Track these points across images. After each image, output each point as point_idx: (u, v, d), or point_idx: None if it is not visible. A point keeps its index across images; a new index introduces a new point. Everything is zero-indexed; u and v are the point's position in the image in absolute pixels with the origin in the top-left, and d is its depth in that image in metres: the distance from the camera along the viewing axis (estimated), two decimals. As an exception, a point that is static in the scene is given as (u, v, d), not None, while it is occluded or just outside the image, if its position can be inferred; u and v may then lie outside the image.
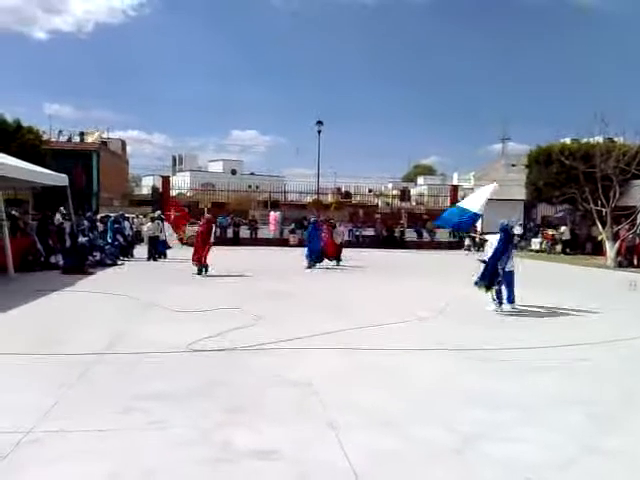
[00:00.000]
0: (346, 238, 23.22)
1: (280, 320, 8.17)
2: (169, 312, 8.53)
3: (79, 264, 13.76)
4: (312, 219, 19.09)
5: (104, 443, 3.71)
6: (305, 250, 16.94)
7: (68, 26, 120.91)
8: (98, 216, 20.28)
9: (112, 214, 20.12)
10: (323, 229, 17.09)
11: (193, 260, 14.20)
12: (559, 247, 26.01)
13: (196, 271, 13.91)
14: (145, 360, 5.79)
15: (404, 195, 49.03)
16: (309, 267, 16.20)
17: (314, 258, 16.46)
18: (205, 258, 14.06)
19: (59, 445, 3.67)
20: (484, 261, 9.86)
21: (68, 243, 15.11)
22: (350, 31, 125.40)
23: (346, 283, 13.48)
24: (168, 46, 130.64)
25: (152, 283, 12.17)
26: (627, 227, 20.58)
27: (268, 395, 4.77)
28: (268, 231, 28.45)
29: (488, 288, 9.39)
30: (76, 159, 28.05)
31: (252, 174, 61.44)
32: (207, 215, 16.92)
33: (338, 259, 17.37)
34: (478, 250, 25.27)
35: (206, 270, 13.95)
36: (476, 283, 9.51)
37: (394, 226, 29.86)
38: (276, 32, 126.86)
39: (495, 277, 9.35)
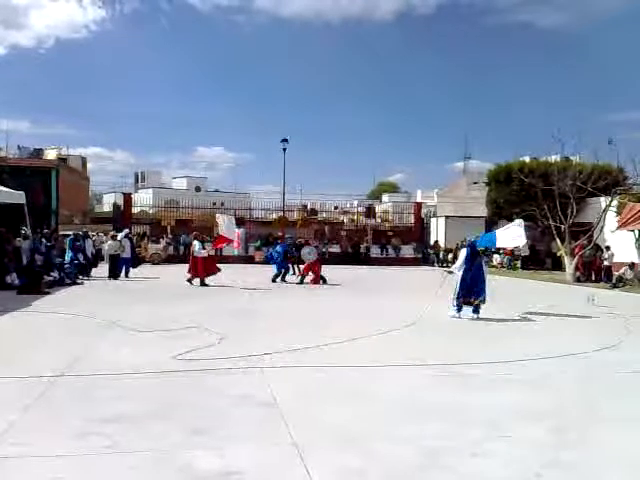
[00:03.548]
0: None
1: (246, 338, 8.05)
2: (130, 332, 8.30)
3: (35, 284, 13.31)
4: (287, 239, 21.26)
5: (60, 468, 3.54)
6: (275, 267, 17.94)
7: (28, 41, 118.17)
8: (56, 235, 19.71)
9: (71, 232, 19.58)
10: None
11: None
12: (519, 263, 26.59)
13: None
14: (104, 382, 5.60)
15: (369, 212, 49.34)
16: (274, 280, 17.29)
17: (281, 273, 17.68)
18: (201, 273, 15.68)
19: (14, 471, 3.49)
20: (451, 272, 10.80)
21: (25, 262, 14.64)
22: (315, 48, 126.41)
23: (315, 299, 13.45)
24: (131, 61, 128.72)
25: (113, 302, 11.85)
26: (583, 243, 21.20)
27: (231, 415, 4.66)
28: (232, 248, 28.11)
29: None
30: (34, 176, 27.28)
31: (217, 191, 60.71)
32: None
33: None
34: (441, 265, 25.68)
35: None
36: (482, 301, 10.31)
37: (359, 243, 30.06)
38: (240, 49, 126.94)
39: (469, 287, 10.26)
